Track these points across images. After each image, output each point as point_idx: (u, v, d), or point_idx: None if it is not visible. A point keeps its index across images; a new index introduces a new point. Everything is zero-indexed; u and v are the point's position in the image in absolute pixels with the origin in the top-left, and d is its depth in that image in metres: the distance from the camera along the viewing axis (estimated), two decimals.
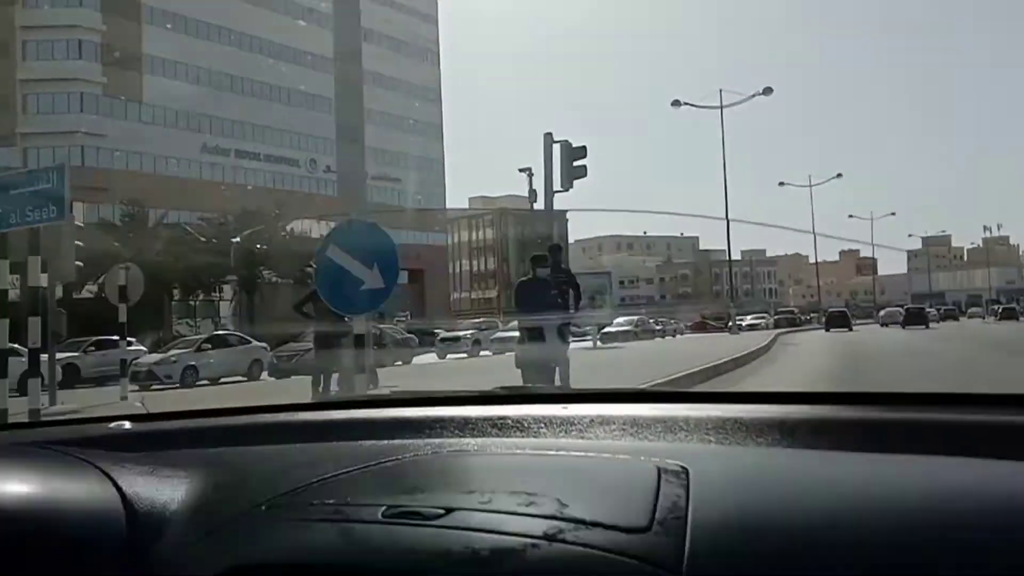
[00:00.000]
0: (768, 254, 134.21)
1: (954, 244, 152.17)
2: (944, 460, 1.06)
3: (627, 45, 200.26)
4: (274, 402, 1.67)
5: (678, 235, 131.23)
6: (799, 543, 0.84)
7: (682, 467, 1.00)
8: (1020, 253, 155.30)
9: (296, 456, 1.28)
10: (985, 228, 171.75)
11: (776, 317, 59.85)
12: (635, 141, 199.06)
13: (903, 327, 44.47)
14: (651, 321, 47.44)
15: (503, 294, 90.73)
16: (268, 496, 1.11)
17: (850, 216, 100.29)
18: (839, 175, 66.89)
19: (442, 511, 0.96)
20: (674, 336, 48.33)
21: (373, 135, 72.53)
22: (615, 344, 31.16)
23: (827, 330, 45.19)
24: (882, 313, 60.10)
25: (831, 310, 54.67)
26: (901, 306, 58.89)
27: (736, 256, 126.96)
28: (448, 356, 30.88)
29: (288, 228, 51.97)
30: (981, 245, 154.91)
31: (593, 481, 1.03)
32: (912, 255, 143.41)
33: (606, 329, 35.67)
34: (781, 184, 67.17)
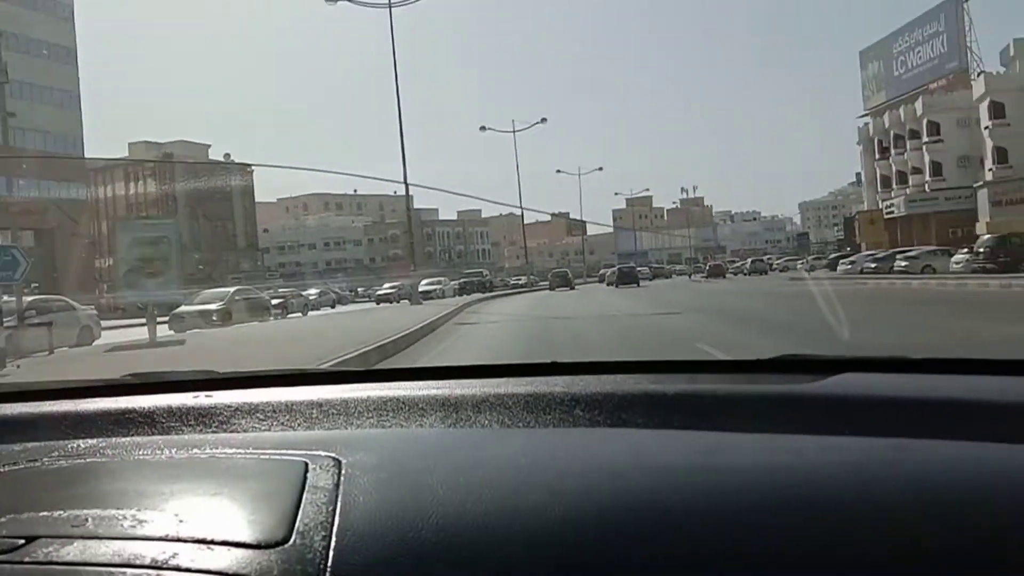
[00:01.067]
0: (484, 215, 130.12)
1: (655, 204, 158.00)
2: (607, 431, 1.07)
3: None
4: None
5: (391, 194, 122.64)
6: (465, 531, 0.78)
7: (334, 458, 0.93)
8: (713, 213, 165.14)
9: None
10: (683, 190, 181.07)
11: (462, 281, 54.16)
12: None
13: (616, 286, 45.61)
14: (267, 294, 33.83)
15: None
16: None
17: (558, 171, 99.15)
18: (544, 120, 64.76)
19: (20, 541, 0.79)
20: (332, 307, 41.97)
21: None
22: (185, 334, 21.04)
23: (552, 289, 48.49)
24: (608, 272, 61.89)
25: (554, 271, 57.88)
26: (617, 266, 59.79)
27: (451, 216, 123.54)
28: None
29: None
30: (679, 205, 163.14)
31: (226, 486, 0.92)
32: (617, 215, 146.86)
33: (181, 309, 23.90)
34: (483, 128, 61.56)
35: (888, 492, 0.82)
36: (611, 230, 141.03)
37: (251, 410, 1.20)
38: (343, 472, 0.90)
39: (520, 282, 69.20)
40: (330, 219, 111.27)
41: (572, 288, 48.75)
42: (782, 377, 1.28)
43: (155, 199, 65.60)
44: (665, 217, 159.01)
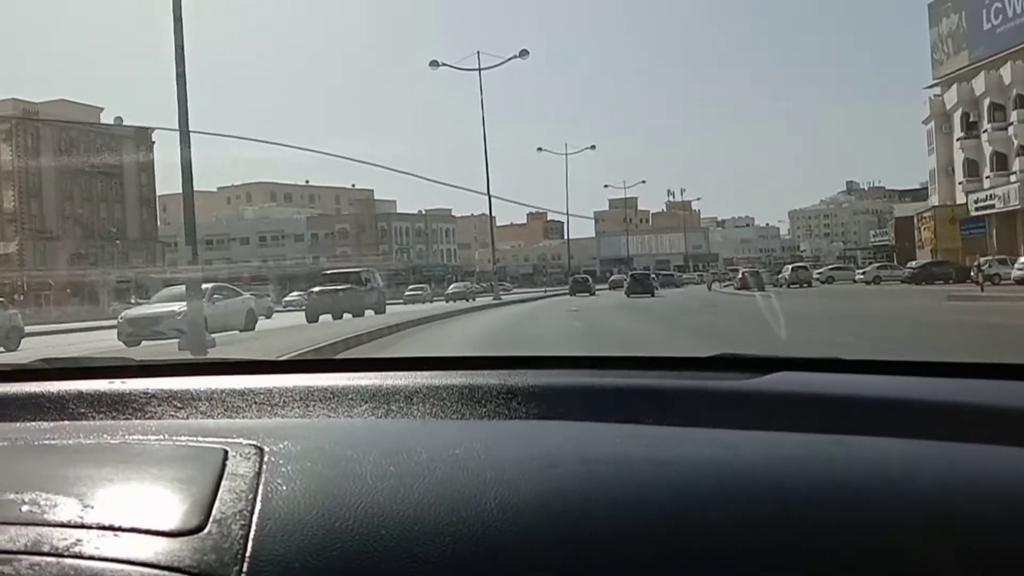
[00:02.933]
0: (457, 213, 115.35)
1: (640, 207, 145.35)
2: (544, 423, 1.07)
3: None
4: None
5: (348, 186, 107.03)
6: (396, 519, 0.76)
7: (255, 446, 0.90)
8: (701, 218, 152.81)
9: None
10: (669, 192, 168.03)
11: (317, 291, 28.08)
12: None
13: (627, 295, 39.86)
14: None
15: (34, 248, 63.66)
16: None
17: (539, 149, 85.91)
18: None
19: None
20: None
21: None
22: None
23: (572, 294, 45.48)
24: (613, 278, 57.91)
25: (574, 277, 53.34)
26: (630, 271, 52.29)
27: (413, 211, 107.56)
28: None
29: None
30: (665, 210, 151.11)
31: (137, 472, 0.87)
32: (600, 217, 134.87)
33: None
34: (434, 64, 47.08)
35: (827, 486, 0.83)
36: (592, 234, 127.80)
37: (168, 397, 1.15)
38: (265, 460, 0.86)
39: (458, 291, 54.20)
40: (269, 210, 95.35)
41: (592, 294, 46.40)
42: (719, 375, 1.28)
43: (7, 173, 49.42)
44: (650, 221, 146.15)
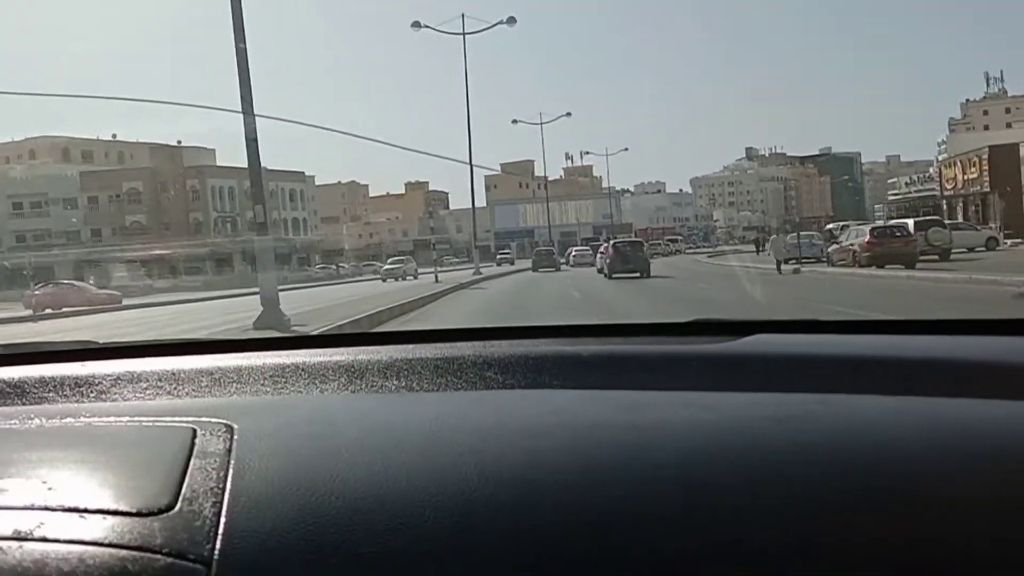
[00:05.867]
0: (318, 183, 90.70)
1: (537, 172, 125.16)
2: (523, 393, 1.06)
3: None
4: None
5: (175, 143, 79.96)
6: (373, 493, 0.74)
7: (225, 424, 0.87)
8: (603, 185, 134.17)
9: None
10: (567, 156, 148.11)
11: None
12: None
13: (609, 276, 26.79)
14: None
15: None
16: None
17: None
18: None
19: None
20: None
21: None
22: None
23: (535, 270, 38.89)
24: (574, 253, 48.66)
25: (538, 249, 46.54)
26: (612, 241, 32.70)
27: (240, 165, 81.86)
28: None
29: None
30: (563, 176, 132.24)
31: (104, 454, 0.84)
32: (490, 184, 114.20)
33: None
34: None
35: (812, 444, 0.82)
36: (484, 204, 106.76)
37: (133, 379, 1.13)
38: (236, 438, 0.83)
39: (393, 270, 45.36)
40: (37, 167, 67.50)
41: (557, 269, 39.79)
42: (698, 339, 1.28)
43: None
44: (546, 188, 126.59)
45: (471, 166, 34.84)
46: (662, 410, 0.94)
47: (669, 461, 0.79)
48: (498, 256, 57.83)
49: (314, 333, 1.47)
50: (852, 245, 24.12)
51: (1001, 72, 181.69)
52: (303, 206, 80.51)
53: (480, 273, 36.62)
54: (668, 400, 0.99)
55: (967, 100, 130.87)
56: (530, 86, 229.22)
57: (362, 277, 50.99)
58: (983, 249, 28.16)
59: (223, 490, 0.73)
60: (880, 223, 31.96)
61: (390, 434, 0.88)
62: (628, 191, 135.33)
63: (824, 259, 26.53)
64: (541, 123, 62.81)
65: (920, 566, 0.67)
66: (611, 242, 31.75)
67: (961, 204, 39.94)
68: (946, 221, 30.95)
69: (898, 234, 23.63)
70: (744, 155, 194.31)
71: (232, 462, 0.78)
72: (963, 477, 0.75)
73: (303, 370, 1.12)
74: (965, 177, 39.61)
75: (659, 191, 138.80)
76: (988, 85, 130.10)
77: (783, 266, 24.43)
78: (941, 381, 0.99)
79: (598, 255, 35.15)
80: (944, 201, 42.76)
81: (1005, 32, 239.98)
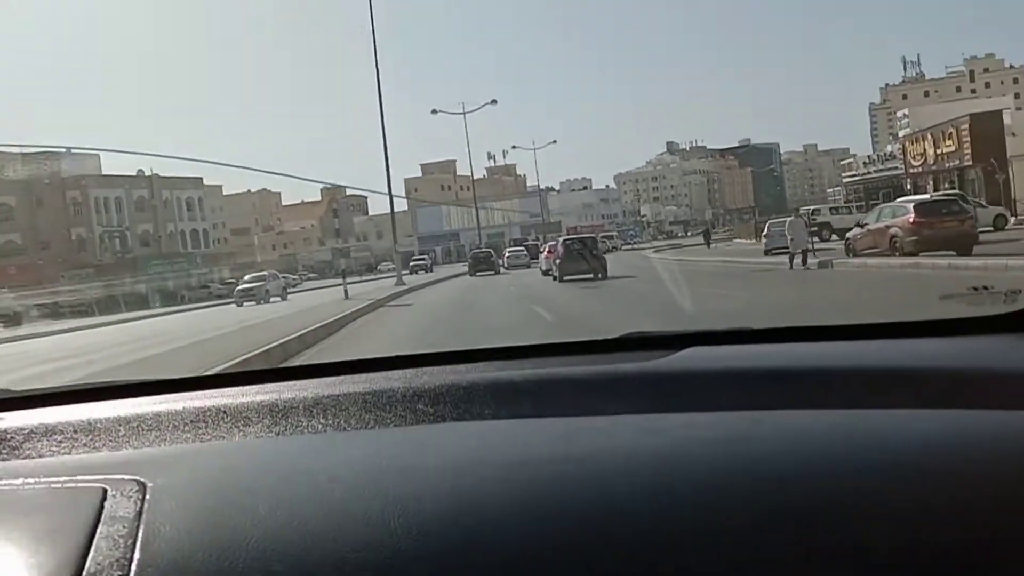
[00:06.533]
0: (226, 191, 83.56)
1: (460, 172, 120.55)
2: (453, 426, 1.03)
3: None
4: None
5: (62, 149, 71.47)
6: (289, 553, 0.71)
7: (138, 482, 0.82)
8: (529, 184, 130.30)
9: None
10: (489, 156, 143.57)
11: None
12: None
13: (559, 279, 23.59)
14: None
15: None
16: None
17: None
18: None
19: None
20: None
21: None
22: None
23: (472, 274, 37.19)
24: (508, 254, 45.26)
25: (474, 251, 44.00)
26: (564, 239, 28.24)
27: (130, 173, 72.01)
28: None
29: None
30: (486, 175, 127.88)
31: (5, 523, 0.79)
32: (412, 187, 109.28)
33: None
34: None
35: (745, 465, 0.81)
36: (406, 207, 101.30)
37: (47, 432, 1.07)
38: (148, 497, 0.79)
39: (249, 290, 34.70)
40: None
41: (497, 272, 37.32)
42: (631, 355, 1.25)
43: None
44: (471, 188, 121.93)
45: (387, 161, 29.69)
46: (596, 438, 0.92)
47: (603, 495, 0.77)
48: (411, 262, 51.90)
49: (237, 371, 1.34)
50: (890, 228, 18.10)
51: (918, 56, 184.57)
52: (203, 216, 73.12)
53: (403, 283, 31.41)
54: (602, 426, 0.97)
55: (886, 85, 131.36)
56: (449, 84, 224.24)
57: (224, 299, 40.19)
58: (991, 228, 24.04)
59: (130, 560, 0.69)
60: (926, 196, 25.40)
61: (312, 482, 0.83)
62: (553, 189, 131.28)
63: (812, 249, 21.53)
64: (464, 112, 57.52)
65: None
66: (561, 239, 27.31)
67: (931, 181, 36.21)
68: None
69: (951, 210, 17.73)
70: (665, 149, 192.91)
71: (141, 527, 0.74)
72: (892, 492, 0.75)
73: (225, 412, 1.07)
74: (938, 151, 35.67)
75: (585, 188, 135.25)
76: (905, 69, 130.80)
77: (806, 259, 19.13)
78: (874, 390, 0.99)
79: (542, 256, 31.38)
80: (908, 180, 39.19)
81: (919, 15, 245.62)
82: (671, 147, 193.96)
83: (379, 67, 36.28)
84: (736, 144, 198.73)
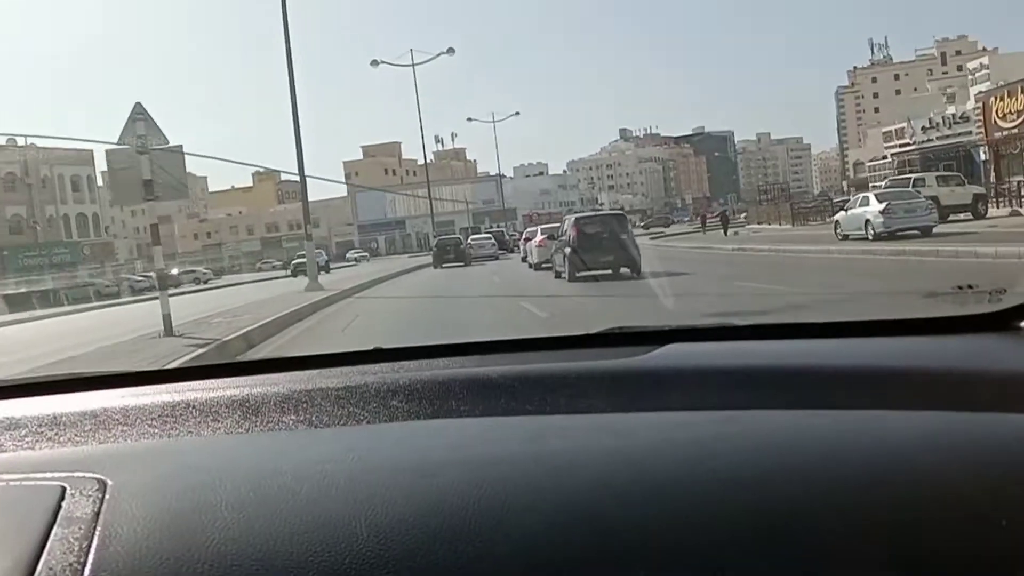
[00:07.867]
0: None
1: (406, 156, 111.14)
2: (426, 424, 1.01)
3: None
4: None
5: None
6: (251, 557, 0.69)
7: (99, 480, 0.80)
8: (478, 170, 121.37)
9: None
10: (437, 139, 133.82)
11: None
12: None
13: (570, 279, 17.00)
14: None
15: None
16: None
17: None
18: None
19: None
20: None
21: None
22: None
23: (436, 267, 32.53)
24: (471, 242, 39.21)
25: (440, 238, 38.39)
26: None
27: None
28: None
29: None
30: (433, 160, 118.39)
31: None
32: (351, 171, 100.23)
33: None
34: None
35: (714, 466, 0.80)
36: (345, 193, 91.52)
37: (12, 424, 1.04)
38: (107, 496, 0.77)
39: None
40: None
41: (467, 264, 32.11)
42: (610, 351, 1.24)
43: None
44: (416, 174, 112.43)
45: (297, 131, 20.41)
46: (570, 437, 0.91)
47: (574, 500, 0.75)
48: (348, 255, 45.19)
49: (211, 363, 1.31)
50: None
51: (885, 38, 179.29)
52: (92, 197, 60.67)
53: (319, 288, 20.58)
54: (577, 425, 0.95)
55: (855, 68, 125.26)
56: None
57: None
58: None
59: (83, 564, 0.68)
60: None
61: (279, 482, 0.81)
62: (506, 176, 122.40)
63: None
64: (413, 64, 47.43)
65: None
66: (572, 219, 18.52)
67: (1018, 150, 27.92)
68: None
69: None
70: (619, 136, 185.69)
71: (98, 529, 0.72)
72: (866, 495, 0.74)
73: (194, 407, 1.05)
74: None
75: (541, 173, 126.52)
76: (873, 52, 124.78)
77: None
78: (854, 389, 0.98)
79: (532, 244, 24.70)
80: (987, 147, 30.85)
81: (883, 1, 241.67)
82: (624, 134, 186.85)
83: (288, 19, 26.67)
84: (691, 132, 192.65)
